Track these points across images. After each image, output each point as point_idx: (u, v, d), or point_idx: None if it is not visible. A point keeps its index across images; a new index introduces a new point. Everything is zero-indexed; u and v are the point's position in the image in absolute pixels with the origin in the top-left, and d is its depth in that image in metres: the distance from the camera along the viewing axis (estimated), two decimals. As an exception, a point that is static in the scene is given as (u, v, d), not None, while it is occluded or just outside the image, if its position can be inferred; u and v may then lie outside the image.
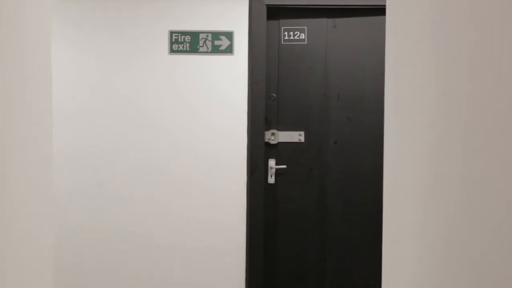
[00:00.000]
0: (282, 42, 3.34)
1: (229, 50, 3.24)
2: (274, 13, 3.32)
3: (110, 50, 3.27)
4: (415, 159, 1.20)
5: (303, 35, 3.33)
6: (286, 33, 3.34)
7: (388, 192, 1.40)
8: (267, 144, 3.34)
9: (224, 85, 3.25)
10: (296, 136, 3.36)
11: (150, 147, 3.27)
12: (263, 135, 3.29)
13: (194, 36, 3.25)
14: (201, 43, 3.23)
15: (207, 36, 3.23)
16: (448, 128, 1.02)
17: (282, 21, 3.34)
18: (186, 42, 3.23)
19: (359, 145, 3.36)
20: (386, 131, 1.42)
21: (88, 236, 3.31)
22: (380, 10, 3.24)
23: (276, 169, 3.36)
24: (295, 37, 3.33)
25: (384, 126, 1.45)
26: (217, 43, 3.24)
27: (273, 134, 3.34)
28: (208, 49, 3.23)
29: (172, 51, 3.24)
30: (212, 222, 3.32)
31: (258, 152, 3.30)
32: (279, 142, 3.35)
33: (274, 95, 3.34)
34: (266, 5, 3.25)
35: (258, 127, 3.30)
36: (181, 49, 3.24)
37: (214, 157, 3.27)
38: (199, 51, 3.23)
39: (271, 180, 3.36)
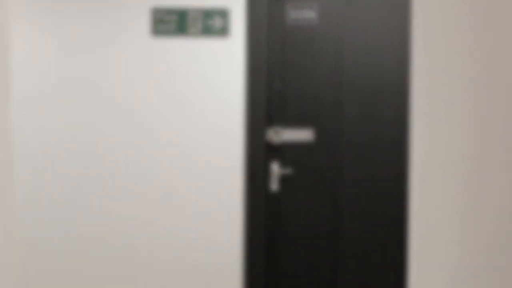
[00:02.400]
0: (288, 22, 3.33)
1: (223, 31, 3.22)
2: (278, -14, 3.38)
3: (78, 30, 3.24)
4: (449, 165, 1.17)
5: (313, 14, 3.33)
6: (292, 11, 3.32)
7: (416, 204, 1.37)
8: (269, 144, 3.34)
9: (218, 74, 3.24)
10: (303, 135, 3.35)
11: (126, 149, 3.26)
12: (264, 134, 3.32)
13: (182, 14, 3.23)
14: (190, 23, 3.23)
15: (197, 14, 3.22)
16: (489, 130, 1.00)
17: (287, -4, 3.42)
18: (172, 22, 3.21)
19: (380, 145, 3.35)
20: (414, 132, 1.39)
21: (48, 258, 3.26)
22: (405, -17, 3.30)
23: (280, 175, 3.36)
24: (303, 16, 3.32)
25: (411, 125, 1.41)
26: (209, 23, 3.23)
27: (276, 132, 3.33)
28: (198, 30, 3.23)
29: (154, 32, 3.21)
30: (200, 241, 3.28)
31: (257, 153, 3.31)
32: (283, 142, 3.34)
33: (278, 85, 3.36)
34: (268, -24, 3.34)
35: (258, 124, 3.31)
36: (165, 30, 3.22)
37: (204, 160, 3.26)
38: (187, 32, 3.23)
39: (274, 188, 3.35)
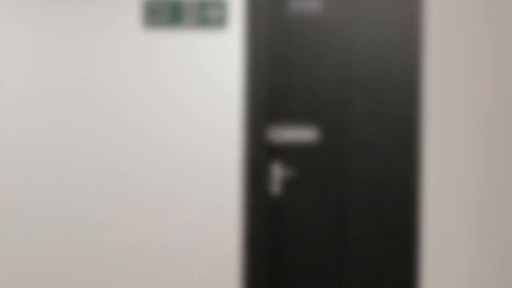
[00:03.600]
0: (290, 13, 3.32)
1: (220, 23, 3.22)
2: (279, -27, 3.32)
3: (64, 21, 3.24)
4: (466, 167, 1.16)
5: (317, 4, 3.30)
6: (295, 1, 3.29)
7: (430, 209, 1.35)
8: (270, 144, 3.33)
9: (215, 69, 3.23)
10: (307, 134, 3.34)
11: (116, 149, 3.26)
12: (264, 133, 3.31)
13: (175, 4, 3.23)
14: (184, 13, 3.22)
15: (192, 4, 3.21)
16: (507, 131, 0.99)
17: (289, -16, 3.34)
18: (165, 13, 3.23)
19: (389, 146, 3.33)
20: (427, 131, 1.37)
21: (34, 264, 3.28)
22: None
23: (281, 177, 3.35)
24: (307, 6, 3.30)
25: (423, 124, 1.40)
26: (205, 14, 3.22)
27: (277, 131, 3.34)
28: (193, 21, 3.22)
29: (146, 23, 3.22)
30: (194, 252, 3.25)
31: (257, 154, 3.30)
32: (285, 142, 3.34)
33: (279, 81, 3.34)
34: (269, -38, 3.29)
35: (257, 122, 3.30)
36: (158, 22, 3.22)
37: (199, 161, 3.25)
38: (181, 24, 3.23)
39: (275, 192, 3.34)
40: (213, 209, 3.26)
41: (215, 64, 3.23)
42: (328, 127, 3.36)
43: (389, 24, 3.33)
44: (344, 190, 3.37)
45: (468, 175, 1.21)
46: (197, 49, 3.23)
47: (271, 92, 3.35)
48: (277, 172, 3.33)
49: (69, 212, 3.27)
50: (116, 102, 3.25)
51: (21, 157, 3.27)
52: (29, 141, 3.27)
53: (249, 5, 3.25)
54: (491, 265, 1.12)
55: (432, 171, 1.33)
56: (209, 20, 3.21)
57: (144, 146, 3.27)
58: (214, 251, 3.28)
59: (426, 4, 1.43)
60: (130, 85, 3.25)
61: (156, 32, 3.24)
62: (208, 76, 3.25)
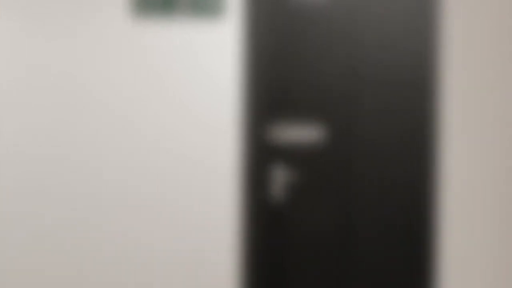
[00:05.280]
0: (294, 0, 3.33)
1: (216, 10, 3.22)
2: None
3: (43, 10, 3.26)
4: (489, 168, 1.15)
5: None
6: (298, -15, 3.17)
7: (450, 216, 1.34)
8: (271, 144, 3.33)
9: (210, 61, 3.24)
10: (311, 133, 3.34)
11: (102, 149, 3.27)
12: (264, 132, 3.31)
13: (166, -11, 3.11)
14: (177, 1, 3.25)
15: (185, -10, 3.09)
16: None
17: (292, -32, 3.22)
18: (155, 0, 3.27)
19: (403, 145, 3.32)
20: (447, 129, 1.36)
21: (20, 273, 3.31)
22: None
23: (283, 181, 3.37)
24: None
25: (440, 122, 1.38)
26: (200, 1, 3.24)
27: (279, 129, 3.33)
28: (186, 8, 3.23)
29: (134, 11, 3.24)
30: (186, 265, 3.27)
31: (256, 156, 3.29)
32: (288, 142, 3.33)
33: (280, 75, 3.34)
34: None
35: (257, 120, 3.30)
36: (147, 9, 3.24)
37: (192, 163, 3.25)
38: (173, 11, 3.23)
39: (276, 198, 3.34)
40: (207, 216, 3.26)
41: (211, 56, 3.23)
42: (334, 125, 3.33)
43: (400, 12, 3.31)
44: (353, 195, 3.35)
45: (491, 177, 1.19)
46: (191, 40, 3.23)
47: (272, 87, 3.32)
48: (279, 176, 3.32)
49: (51, 218, 3.29)
50: (102, 96, 3.27)
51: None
52: (5, 142, 3.29)
53: (248, -10, 3.18)
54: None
55: (451, 174, 1.32)
56: (204, 8, 3.21)
57: (132, 147, 3.27)
58: (208, 268, 3.29)
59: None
60: (117, 78, 3.26)
61: (146, 21, 3.24)
62: (202, 68, 3.24)
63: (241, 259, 3.30)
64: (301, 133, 3.35)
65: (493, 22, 1.15)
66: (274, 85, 3.35)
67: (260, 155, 3.31)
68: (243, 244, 3.31)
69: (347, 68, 3.34)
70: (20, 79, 3.29)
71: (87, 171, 3.30)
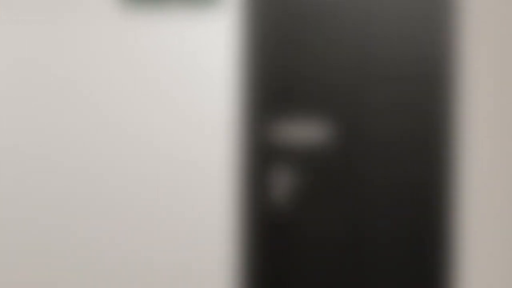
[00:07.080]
0: (296, -14, 3.18)
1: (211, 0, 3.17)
2: None
3: (29, 3, 3.24)
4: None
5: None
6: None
7: (469, 223, 1.28)
8: (271, 144, 3.26)
9: (204, 52, 3.20)
10: (316, 132, 3.27)
11: (88, 150, 3.24)
12: (264, 130, 3.22)
13: (158, -23, 3.09)
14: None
15: (178, -23, 3.08)
16: None
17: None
18: None
19: (414, 145, 3.26)
20: (463, 127, 1.30)
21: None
22: None
23: (285, 185, 3.28)
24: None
25: (456, 119, 1.33)
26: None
27: (280, 128, 3.25)
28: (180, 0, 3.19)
29: (123, 1, 3.24)
30: (179, 278, 3.24)
31: (256, 156, 3.21)
32: (289, 141, 3.25)
33: (282, 68, 3.26)
34: None
35: (256, 117, 3.21)
36: (137, 0, 3.22)
37: (186, 165, 3.21)
38: (165, 1, 3.20)
39: (278, 201, 3.27)
40: (201, 223, 3.23)
41: (204, 46, 3.20)
42: (341, 123, 3.28)
43: (411, 3, 3.28)
44: (361, 198, 3.29)
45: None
46: (184, 30, 3.21)
47: (273, 83, 3.28)
48: (281, 178, 3.23)
49: (38, 225, 3.30)
50: (91, 93, 3.25)
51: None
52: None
53: (246, -24, 3.14)
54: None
55: (471, 176, 1.26)
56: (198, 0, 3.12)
57: (122, 148, 3.25)
58: (204, 274, 3.27)
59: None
60: (106, 75, 3.24)
61: (135, 9, 3.23)
62: (196, 60, 3.22)
63: (240, 266, 3.27)
64: (304, 132, 3.29)
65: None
66: (275, 81, 3.31)
67: (260, 156, 3.27)
68: (242, 252, 3.26)
69: (354, 62, 3.31)
70: (4, 73, 3.30)
71: (74, 170, 3.31)
